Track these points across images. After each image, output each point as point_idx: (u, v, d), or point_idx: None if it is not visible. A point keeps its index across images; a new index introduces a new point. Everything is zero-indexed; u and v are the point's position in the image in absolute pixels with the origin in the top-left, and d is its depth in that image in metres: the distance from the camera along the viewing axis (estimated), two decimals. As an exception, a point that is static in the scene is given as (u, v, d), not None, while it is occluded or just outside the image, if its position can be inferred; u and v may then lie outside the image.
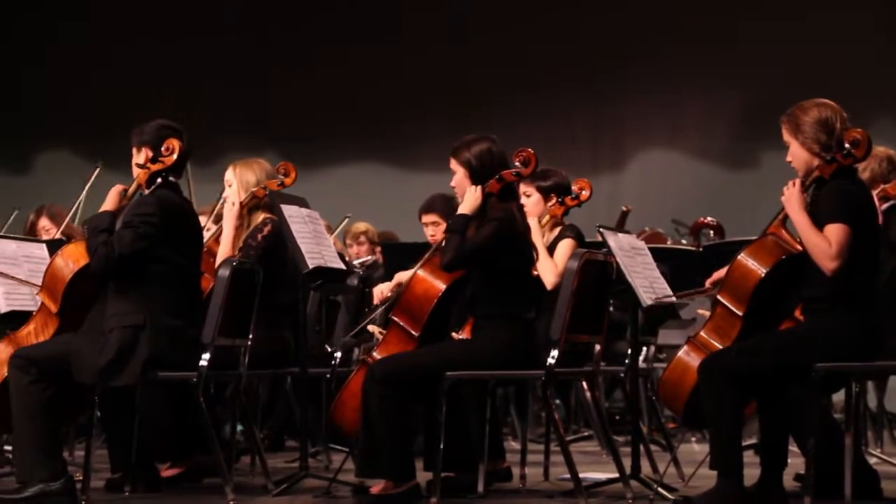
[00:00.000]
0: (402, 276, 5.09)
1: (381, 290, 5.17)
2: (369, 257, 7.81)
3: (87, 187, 6.90)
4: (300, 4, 10.65)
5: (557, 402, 7.49)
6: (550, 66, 10.28)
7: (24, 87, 10.64)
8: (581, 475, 4.82)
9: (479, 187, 4.83)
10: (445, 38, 10.44)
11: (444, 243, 4.83)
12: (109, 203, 4.97)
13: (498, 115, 9.72)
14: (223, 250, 5.43)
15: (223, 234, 5.48)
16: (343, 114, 10.46)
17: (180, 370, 4.86)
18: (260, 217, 5.56)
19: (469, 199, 4.84)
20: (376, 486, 4.83)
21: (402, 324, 5.00)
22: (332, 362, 5.84)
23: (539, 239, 5.45)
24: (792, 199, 4.46)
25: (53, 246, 5.76)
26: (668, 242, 8.27)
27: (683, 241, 8.69)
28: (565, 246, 5.57)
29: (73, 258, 5.05)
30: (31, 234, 6.87)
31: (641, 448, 5.15)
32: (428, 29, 10.48)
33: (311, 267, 5.15)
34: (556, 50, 10.27)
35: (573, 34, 10.28)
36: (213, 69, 10.50)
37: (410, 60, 10.42)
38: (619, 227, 6.56)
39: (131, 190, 5.02)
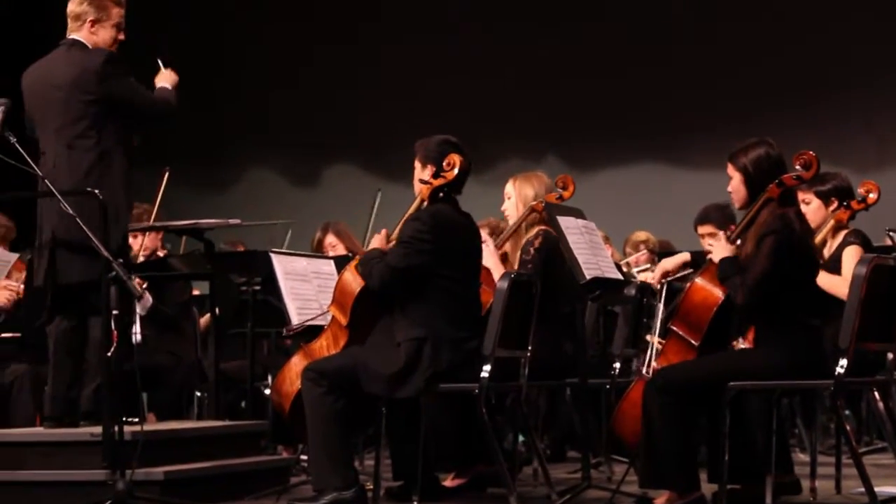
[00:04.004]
0: (666, 264, 5.04)
1: (664, 267, 5.10)
2: (648, 265, 7.75)
3: (374, 213, 7.18)
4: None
5: (847, 412, 7.21)
6: (827, 68, 9.94)
7: (313, 103, 11.06)
8: (876, 489, 4.63)
9: (722, 234, 4.74)
10: (724, 41, 10.24)
11: (726, 286, 4.73)
12: (377, 243, 5.12)
13: (776, 118, 9.46)
14: (495, 273, 5.45)
15: (489, 263, 5.50)
16: (624, 119, 10.38)
17: (462, 382, 4.96)
18: (535, 230, 5.61)
19: (718, 246, 4.75)
20: (660, 498, 4.78)
21: (681, 333, 4.94)
22: (612, 373, 5.82)
23: None
24: None
25: (340, 262, 5.99)
26: (966, 244, 7.81)
27: (982, 242, 8.19)
28: (851, 253, 5.37)
29: (360, 273, 5.23)
30: (317, 251, 7.16)
31: (942, 461, 4.90)
32: (712, 33, 10.29)
33: (588, 278, 5.16)
34: (832, 55, 9.94)
35: (852, 36, 9.91)
36: (496, 72, 10.54)
37: (695, 63, 10.24)
38: (913, 230, 6.25)
39: (414, 206, 5.16)
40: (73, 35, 5.32)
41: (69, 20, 5.33)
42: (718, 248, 4.77)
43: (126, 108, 5.25)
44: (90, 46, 5.29)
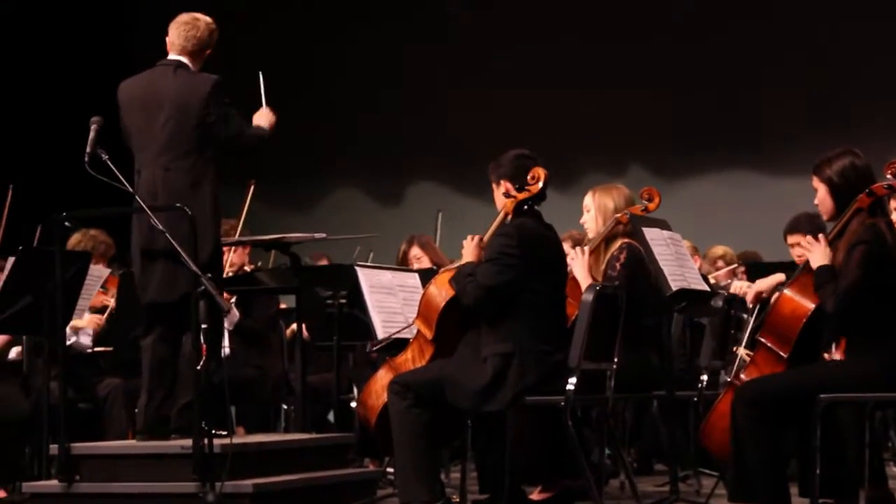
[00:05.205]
0: (760, 285, 4.99)
1: (759, 288, 5.04)
2: (729, 281, 7.68)
3: (438, 234, 7.21)
4: (653, 14, 10.57)
5: (942, 425, 7.07)
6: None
7: (392, 124, 11.13)
8: (972, 503, 4.53)
9: (822, 237, 4.68)
10: (811, 51, 10.11)
11: (818, 294, 4.66)
12: (470, 255, 5.13)
13: (865, 127, 9.33)
14: (583, 285, 5.43)
15: (577, 274, 5.48)
16: (708, 129, 10.27)
17: (548, 394, 4.95)
18: (617, 243, 5.58)
19: (817, 251, 4.69)
20: (749, 511, 4.73)
21: (769, 345, 4.88)
22: (699, 385, 5.77)
23: None
24: None
25: (425, 275, 6.01)
26: None
27: None
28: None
29: (446, 287, 5.22)
30: (402, 264, 7.19)
31: None
32: (798, 44, 10.16)
33: (674, 289, 5.13)
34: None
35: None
36: (581, 81, 10.48)
37: (779, 73, 10.11)
38: None
39: (498, 220, 5.17)
40: (174, 55, 5.36)
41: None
42: (817, 253, 4.69)
43: (221, 136, 5.29)
44: (192, 69, 5.34)
